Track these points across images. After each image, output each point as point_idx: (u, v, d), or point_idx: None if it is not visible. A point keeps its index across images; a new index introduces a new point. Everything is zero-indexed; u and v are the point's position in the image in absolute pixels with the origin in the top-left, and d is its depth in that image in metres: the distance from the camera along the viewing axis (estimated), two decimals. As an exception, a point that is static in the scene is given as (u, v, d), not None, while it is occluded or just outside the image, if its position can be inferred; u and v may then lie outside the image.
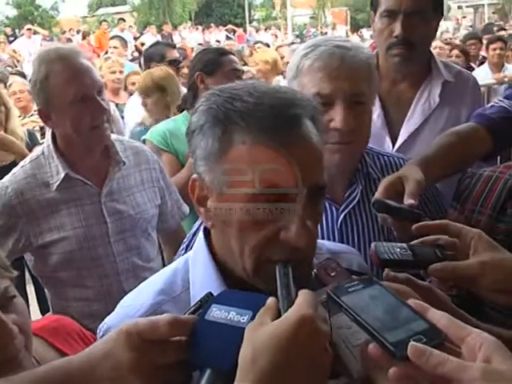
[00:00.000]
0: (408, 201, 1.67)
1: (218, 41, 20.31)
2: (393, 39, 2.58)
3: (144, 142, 3.80)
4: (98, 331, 1.39)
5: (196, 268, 1.35)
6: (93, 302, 2.60)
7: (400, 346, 0.87)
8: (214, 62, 3.85)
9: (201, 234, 1.38)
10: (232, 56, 3.90)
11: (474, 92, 2.82)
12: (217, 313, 1.06)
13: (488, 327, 1.33)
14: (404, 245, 1.34)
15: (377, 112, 2.64)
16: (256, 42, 14.86)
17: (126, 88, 6.99)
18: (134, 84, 6.76)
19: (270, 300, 1.04)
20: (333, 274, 1.18)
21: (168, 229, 2.99)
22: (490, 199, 1.81)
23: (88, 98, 2.48)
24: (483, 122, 2.19)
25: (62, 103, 2.47)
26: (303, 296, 1.01)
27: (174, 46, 5.87)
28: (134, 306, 1.34)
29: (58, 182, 2.53)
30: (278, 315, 0.99)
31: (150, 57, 5.68)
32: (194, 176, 1.28)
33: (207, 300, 1.13)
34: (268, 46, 14.10)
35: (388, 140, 2.66)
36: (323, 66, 1.86)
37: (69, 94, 2.45)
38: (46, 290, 2.78)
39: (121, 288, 2.61)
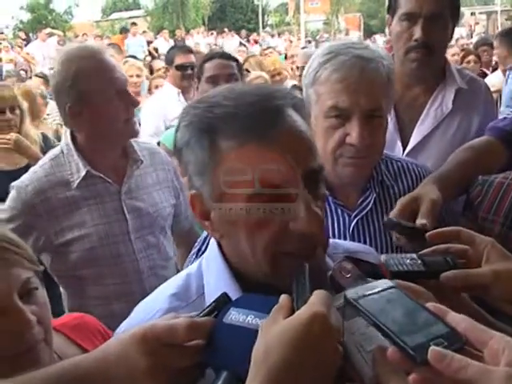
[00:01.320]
0: (421, 221, 1.68)
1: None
2: (412, 43, 2.57)
3: (158, 144, 3.83)
4: (114, 336, 1.38)
5: (210, 274, 1.35)
6: (113, 301, 2.61)
7: (420, 350, 0.85)
8: (200, 68, 3.85)
9: (213, 241, 1.38)
10: (219, 60, 3.73)
11: (487, 99, 2.81)
12: (235, 316, 1.07)
13: (502, 325, 1.35)
14: (414, 255, 1.33)
15: (389, 115, 2.62)
16: (267, 48, 14.76)
17: (149, 90, 7.14)
18: (157, 87, 6.85)
19: (284, 297, 1.05)
20: (348, 275, 1.17)
21: (181, 229, 3.02)
22: (502, 207, 1.82)
23: (122, 91, 2.58)
24: (497, 135, 2.19)
25: (97, 98, 2.52)
26: (317, 295, 1.02)
27: (188, 51, 5.89)
28: (148, 312, 1.33)
29: (78, 180, 2.56)
30: (292, 313, 1.00)
31: (166, 60, 5.78)
32: (192, 192, 1.28)
33: (223, 300, 1.13)
34: (280, 53, 13.99)
35: (399, 144, 2.66)
36: (342, 78, 1.84)
37: (105, 88, 2.53)
38: (63, 290, 2.77)
39: (142, 287, 2.62)
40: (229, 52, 4.67)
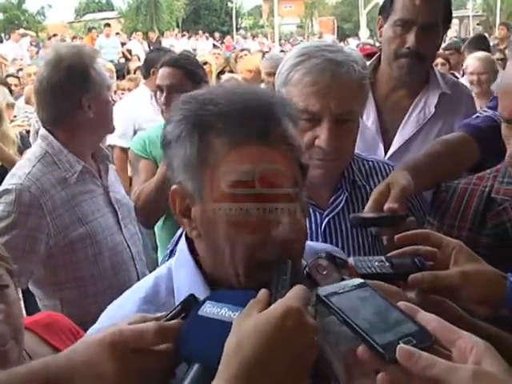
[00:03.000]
0: (388, 205, 1.69)
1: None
2: (404, 49, 2.57)
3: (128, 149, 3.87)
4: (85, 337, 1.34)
5: (180, 277, 1.33)
6: (112, 293, 2.54)
7: (389, 348, 0.86)
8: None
9: (182, 244, 1.36)
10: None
11: (469, 104, 2.81)
12: (210, 309, 1.07)
13: (483, 324, 1.37)
14: (382, 257, 1.33)
15: (371, 118, 2.65)
16: (242, 50, 14.72)
17: (115, 93, 7.13)
18: (129, 89, 6.88)
19: (263, 292, 1.05)
20: (324, 272, 1.18)
21: None
22: (468, 213, 1.82)
23: (111, 90, 2.79)
24: (471, 131, 2.20)
25: (104, 93, 2.68)
26: (295, 290, 1.01)
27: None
28: (118, 317, 1.28)
29: (75, 175, 2.60)
30: (267, 308, 0.99)
31: (150, 62, 5.70)
32: (174, 187, 1.25)
33: (190, 302, 1.13)
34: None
35: (381, 147, 2.67)
36: (313, 82, 1.84)
37: (107, 85, 2.72)
38: (52, 300, 2.67)
39: (135, 273, 2.76)
40: (202, 54, 4.55)
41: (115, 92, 7.25)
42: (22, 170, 2.56)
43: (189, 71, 3.49)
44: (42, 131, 2.68)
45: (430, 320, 0.91)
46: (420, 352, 0.85)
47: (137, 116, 5.27)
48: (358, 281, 1.04)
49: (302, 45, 2.04)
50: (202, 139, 1.19)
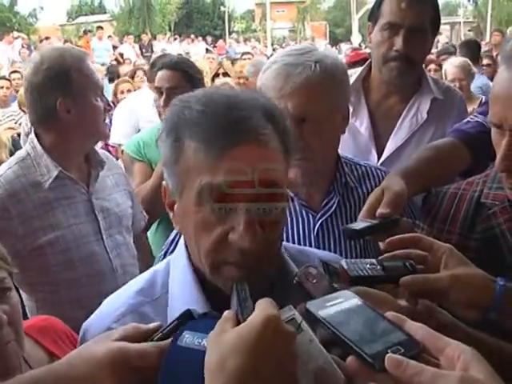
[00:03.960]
0: (380, 211, 1.70)
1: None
2: (392, 53, 2.58)
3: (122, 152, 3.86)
4: (81, 330, 1.41)
5: (176, 272, 1.37)
6: (88, 303, 2.44)
7: (378, 357, 0.87)
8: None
9: (182, 239, 1.40)
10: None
11: (461, 110, 2.82)
12: (189, 339, 1.08)
13: (473, 330, 1.37)
14: (373, 260, 1.34)
15: (364, 124, 2.67)
16: (246, 53, 14.53)
17: (115, 95, 7.12)
18: (123, 92, 6.88)
19: (228, 312, 1.05)
20: (314, 280, 1.18)
21: (135, 230, 3.05)
22: (457, 218, 1.83)
23: (103, 94, 2.69)
24: (461, 137, 2.21)
25: (88, 96, 2.59)
26: (264, 301, 1.02)
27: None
28: (113, 306, 1.37)
29: (50, 181, 2.54)
30: (238, 324, 1.00)
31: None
32: (163, 182, 1.32)
33: (186, 317, 1.13)
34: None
35: (374, 153, 2.68)
36: (271, 87, 1.90)
37: (94, 88, 2.62)
38: (30, 302, 2.66)
39: (116, 285, 2.62)
40: (195, 59, 4.54)
41: (115, 94, 7.23)
42: None
43: (188, 74, 3.50)
44: (32, 134, 2.67)
45: (417, 329, 0.93)
46: (408, 360, 0.85)
47: (140, 117, 5.30)
48: (347, 292, 1.05)
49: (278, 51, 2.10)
50: (175, 142, 1.23)
